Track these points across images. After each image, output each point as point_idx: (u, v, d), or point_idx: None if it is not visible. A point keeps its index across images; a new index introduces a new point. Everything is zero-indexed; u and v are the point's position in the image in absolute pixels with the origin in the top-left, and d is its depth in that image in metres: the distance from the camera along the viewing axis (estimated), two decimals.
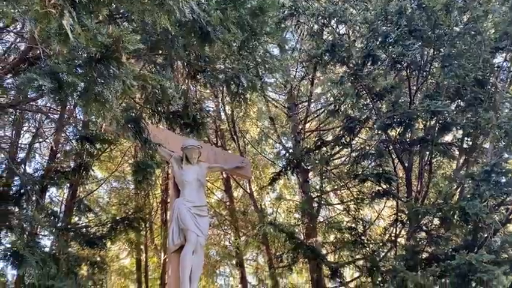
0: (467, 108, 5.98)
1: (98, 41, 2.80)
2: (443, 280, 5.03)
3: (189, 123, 5.60)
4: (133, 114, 4.12)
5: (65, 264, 4.33)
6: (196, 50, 4.50)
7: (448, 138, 6.71)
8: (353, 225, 6.83)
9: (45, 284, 3.83)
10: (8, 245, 4.69)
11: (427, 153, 6.14)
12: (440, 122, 5.88)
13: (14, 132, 6.91)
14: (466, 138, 6.26)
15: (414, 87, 6.33)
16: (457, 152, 6.51)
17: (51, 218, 5.43)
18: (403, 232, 6.38)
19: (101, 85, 2.96)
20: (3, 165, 6.23)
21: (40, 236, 5.72)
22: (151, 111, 5.22)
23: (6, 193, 5.51)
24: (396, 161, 6.54)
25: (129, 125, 3.88)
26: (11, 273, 6.74)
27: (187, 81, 5.73)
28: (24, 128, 7.28)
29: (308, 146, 7.64)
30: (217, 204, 10.36)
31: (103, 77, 2.93)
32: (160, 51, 4.51)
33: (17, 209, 5.38)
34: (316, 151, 7.22)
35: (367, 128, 7.49)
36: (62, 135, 6.87)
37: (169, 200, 6.92)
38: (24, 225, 5.23)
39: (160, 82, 3.76)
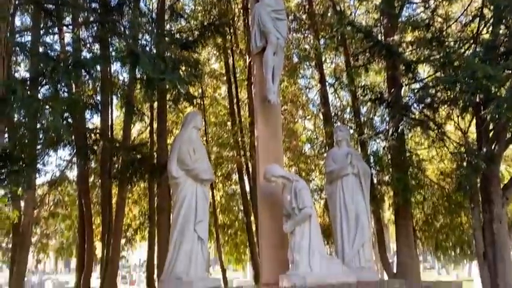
0: None
1: None
2: None
3: None
4: None
5: (169, 63, 5.21)
6: None
7: None
8: (432, 22, 6.74)
9: (158, 77, 4.80)
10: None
11: None
12: None
13: None
14: None
15: None
16: None
17: (152, 23, 6.17)
18: (484, 30, 6.26)
19: None
20: None
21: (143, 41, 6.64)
22: None
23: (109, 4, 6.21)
24: None
25: None
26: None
27: None
28: None
29: None
30: (297, 8, 10.47)
31: None
32: None
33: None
34: None
35: None
36: None
37: (249, 6, 7.27)
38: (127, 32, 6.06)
39: None
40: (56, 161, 11.07)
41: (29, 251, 6.13)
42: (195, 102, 9.62)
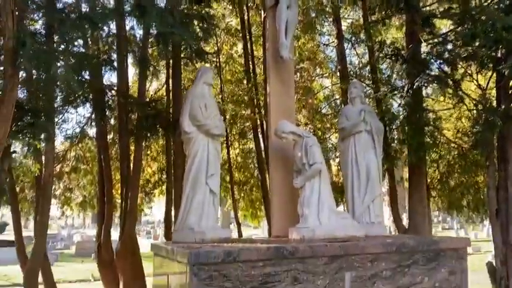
0: None
1: None
2: None
3: None
4: None
5: (178, 18, 5.16)
6: None
7: None
8: None
9: (167, 32, 4.77)
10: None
11: None
12: None
13: None
14: None
15: None
16: None
17: None
18: None
19: None
20: None
21: None
22: None
23: None
24: None
25: None
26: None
27: None
28: None
29: None
30: None
31: None
32: None
33: None
34: None
35: None
36: None
37: None
38: None
39: None
40: (76, 118, 11.35)
41: (51, 203, 6.43)
42: (211, 60, 9.60)
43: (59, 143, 11.12)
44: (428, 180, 8.63)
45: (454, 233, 27.73)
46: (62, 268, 16.08)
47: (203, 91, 5.11)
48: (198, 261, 3.60)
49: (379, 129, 5.89)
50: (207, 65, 8.70)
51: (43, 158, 6.93)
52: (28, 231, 14.78)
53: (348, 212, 5.78)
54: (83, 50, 5.90)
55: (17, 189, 9.00)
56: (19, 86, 4.31)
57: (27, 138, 4.33)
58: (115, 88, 7.58)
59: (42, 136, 4.58)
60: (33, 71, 3.44)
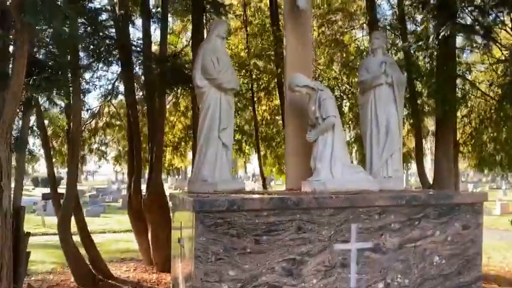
0: None
1: None
2: None
3: None
4: None
5: None
6: None
7: None
8: None
9: None
10: None
11: None
12: None
13: None
14: None
15: None
16: None
17: None
18: None
19: None
20: None
21: None
22: None
23: None
24: None
25: None
26: None
27: None
28: None
29: None
30: None
31: None
32: None
33: None
34: None
35: None
36: None
37: None
38: None
39: None
40: (109, 75, 11.66)
41: (79, 156, 6.81)
42: (233, 12, 9.40)
43: (95, 99, 11.54)
44: (459, 136, 8.35)
45: (502, 193, 26.93)
46: (108, 219, 17.26)
47: (215, 44, 5.09)
48: (202, 209, 3.75)
49: (401, 82, 5.68)
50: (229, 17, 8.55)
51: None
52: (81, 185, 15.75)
53: (366, 166, 5.74)
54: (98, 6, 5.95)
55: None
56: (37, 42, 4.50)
57: (47, 93, 4.54)
58: (134, 44, 7.64)
59: (55, 91, 4.72)
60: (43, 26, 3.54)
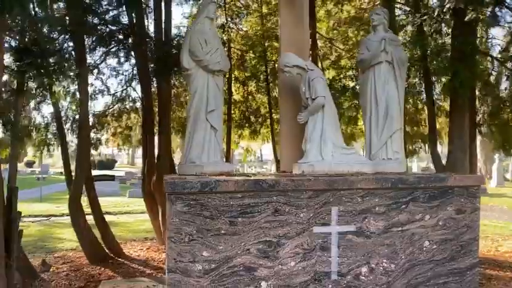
0: None
1: None
2: None
3: None
4: None
5: None
6: None
7: None
8: None
9: None
10: None
11: None
12: None
13: None
14: None
15: None
16: None
17: None
18: None
19: None
20: None
21: None
22: None
23: None
24: None
25: None
26: None
27: None
28: None
29: None
30: None
31: None
32: None
33: None
34: None
35: None
36: None
37: None
38: None
39: None
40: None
41: (90, 139, 7.07)
42: None
43: (118, 84, 11.81)
44: (479, 116, 7.89)
45: None
46: (132, 199, 17.85)
47: (203, 26, 5.04)
48: (174, 191, 3.79)
49: (401, 60, 5.41)
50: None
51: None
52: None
53: (366, 148, 5.57)
54: None
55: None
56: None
57: (38, 78, 4.69)
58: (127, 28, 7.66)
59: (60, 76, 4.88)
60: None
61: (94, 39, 6.90)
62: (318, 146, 4.91)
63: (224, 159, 5.30)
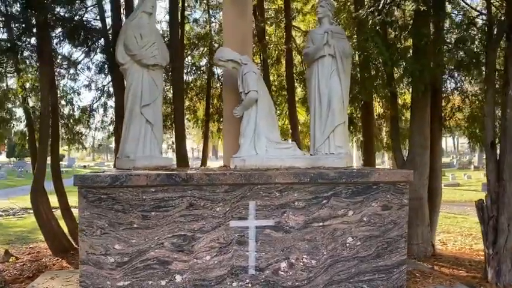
0: None
1: None
2: None
3: None
4: None
5: None
6: None
7: None
8: None
9: None
10: None
11: None
12: None
13: None
14: None
15: None
16: None
17: None
18: None
19: None
20: None
21: None
22: None
23: None
24: None
25: None
26: None
27: None
28: None
29: None
30: None
31: None
32: None
33: None
34: None
35: None
36: None
37: None
38: None
39: None
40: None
41: (59, 135, 7.27)
42: None
43: None
44: (448, 110, 7.72)
45: None
46: None
47: (140, 20, 5.06)
48: (84, 185, 3.84)
49: (345, 53, 5.33)
50: None
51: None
52: None
53: (310, 142, 5.53)
54: None
55: None
56: None
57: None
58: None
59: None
60: None
61: (62, 33, 6.99)
62: (251, 140, 4.91)
63: (162, 154, 5.33)
